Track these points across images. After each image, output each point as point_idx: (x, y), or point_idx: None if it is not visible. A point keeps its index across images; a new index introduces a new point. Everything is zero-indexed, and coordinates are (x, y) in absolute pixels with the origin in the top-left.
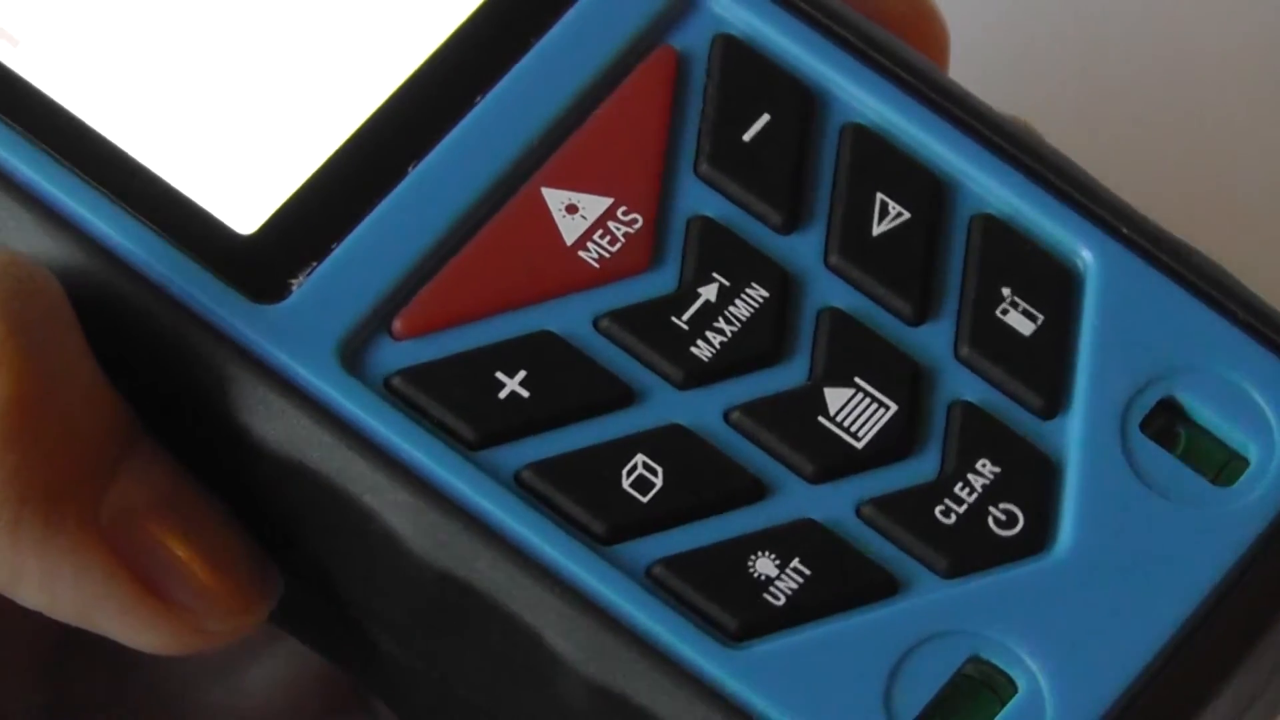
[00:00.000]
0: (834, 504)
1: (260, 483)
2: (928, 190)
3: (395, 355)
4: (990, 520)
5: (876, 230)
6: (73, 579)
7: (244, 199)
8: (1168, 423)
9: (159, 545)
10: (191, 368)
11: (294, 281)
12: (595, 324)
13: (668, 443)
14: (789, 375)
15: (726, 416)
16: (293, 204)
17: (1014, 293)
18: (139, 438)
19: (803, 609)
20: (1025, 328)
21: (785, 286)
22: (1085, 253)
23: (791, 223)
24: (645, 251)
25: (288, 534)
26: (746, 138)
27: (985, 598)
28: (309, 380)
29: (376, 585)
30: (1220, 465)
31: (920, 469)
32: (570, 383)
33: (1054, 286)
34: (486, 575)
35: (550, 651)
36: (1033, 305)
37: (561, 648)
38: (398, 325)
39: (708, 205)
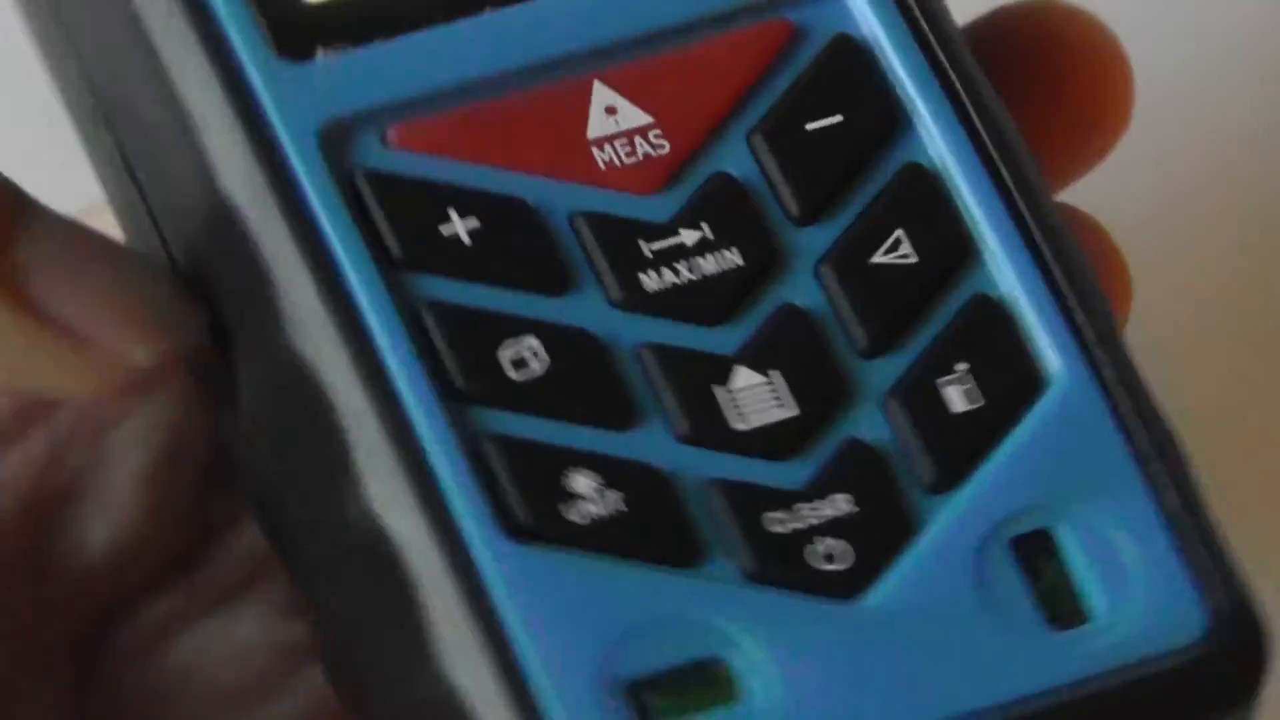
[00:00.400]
0: (686, 467)
1: (193, 221)
2: (947, 250)
3: (373, 157)
4: (816, 548)
5: (876, 259)
6: None
7: None
8: (1040, 551)
9: (68, 289)
10: (179, 87)
11: (322, 52)
12: (570, 216)
13: (568, 341)
14: (717, 341)
15: (637, 349)
16: None
17: (969, 371)
18: (35, 209)
19: (595, 538)
20: (959, 406)
21: (763, 266)
22: (1058, 369)
23: (806, 218)
24: (656, 177)
25: (206, 283)
26: (810, 127)
27: (768, 611)
28: (281, 139)
29: (250, 347)
30: (1063, 612)
31: (784, 476)
32: (514, 251)
33: (1010, 384)
34: (336, 378)
35: (351, 472)
36: (980, 389)
37: (363, 470)
38: (392, 133)
39: (740, 168)
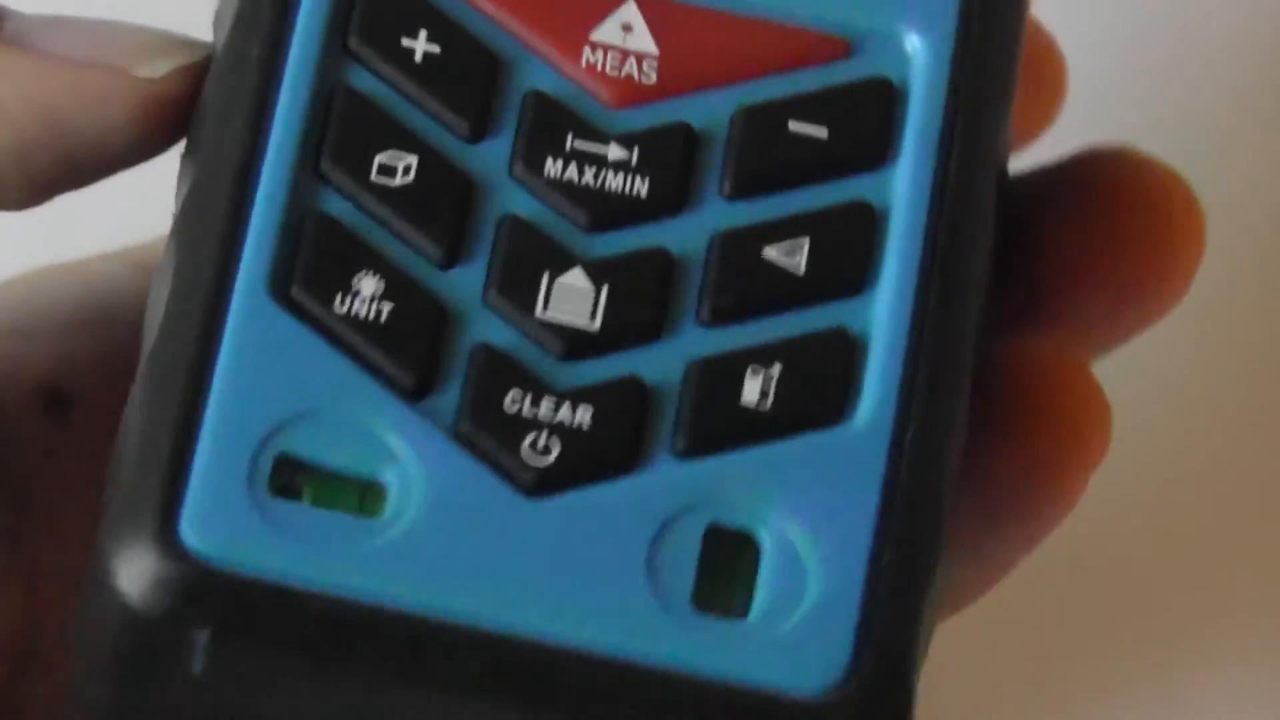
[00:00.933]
0: (471, 321)
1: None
2: (837, 280)
3: None
4: (536, 439)
5: (768, 252)
6: (10, 85)
7: None
8: (736, 547)
9: (64, 35)
10: None
11: None
12: (528, 92)
13: (441, 172)
14: (577, 243)
15: (504, 215)
16: None
17: (780, 377)
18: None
19: (344, 331)
20: (749, 398)
21: (663, 210)
22: (862, 416)
23: (734, 193)
24: (625, 96)
25: None
26: (793, 128)
27: (452, 467)
28: None
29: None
30: (716, 601)
31: (550, 372)
32: (450, 86)
33: (808, 405)
34: (231, 119)
35: (196, 182)
36: (776, 395)
37: (202, 187)
38: None
39: (705, 126)
